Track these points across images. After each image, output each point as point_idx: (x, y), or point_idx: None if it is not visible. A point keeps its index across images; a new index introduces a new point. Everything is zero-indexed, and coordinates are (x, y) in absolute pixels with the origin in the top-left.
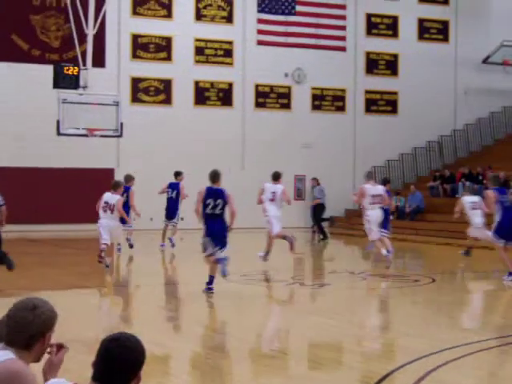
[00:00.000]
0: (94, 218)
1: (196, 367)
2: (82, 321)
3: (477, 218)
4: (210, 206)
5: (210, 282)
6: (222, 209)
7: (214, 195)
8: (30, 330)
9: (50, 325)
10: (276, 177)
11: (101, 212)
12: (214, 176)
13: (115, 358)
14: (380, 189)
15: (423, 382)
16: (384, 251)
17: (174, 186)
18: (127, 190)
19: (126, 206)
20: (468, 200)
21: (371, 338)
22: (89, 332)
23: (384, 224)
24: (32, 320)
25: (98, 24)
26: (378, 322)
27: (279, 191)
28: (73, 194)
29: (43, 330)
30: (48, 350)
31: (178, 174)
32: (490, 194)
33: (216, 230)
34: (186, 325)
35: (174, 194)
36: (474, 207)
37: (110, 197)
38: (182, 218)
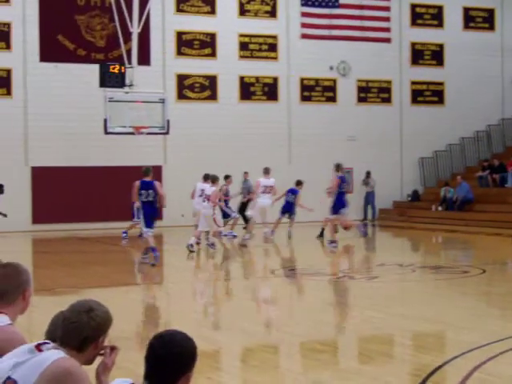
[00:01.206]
0: None
1: (245, 362)
2: (132, 318)
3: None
4: (143, 196)
5: (153, 250)
6: (154, 197)
7: (146, 187)
8: (85, 333)
9: (105, 328)
10: (206, 178)
11: None
12: (146, 171)
13: (159, 354)
14: (271, 181)
15: (474, 374)
16: (267, 230)
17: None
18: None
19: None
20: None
21: (421, 331)
22: (139, 329)
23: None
24: (87, 322)
25: (142, 22)
26: (427, 315)
27: (208, 191)
28: (121, 191)
29: (97, 333)
30: (101, 351)
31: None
32: (335, 180)
33: (149, 213)
34: (235, 320)
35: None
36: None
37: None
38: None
